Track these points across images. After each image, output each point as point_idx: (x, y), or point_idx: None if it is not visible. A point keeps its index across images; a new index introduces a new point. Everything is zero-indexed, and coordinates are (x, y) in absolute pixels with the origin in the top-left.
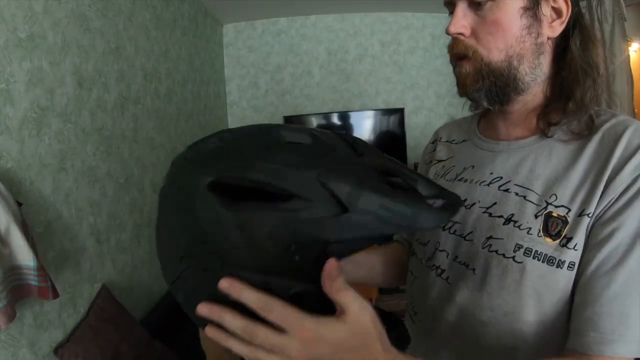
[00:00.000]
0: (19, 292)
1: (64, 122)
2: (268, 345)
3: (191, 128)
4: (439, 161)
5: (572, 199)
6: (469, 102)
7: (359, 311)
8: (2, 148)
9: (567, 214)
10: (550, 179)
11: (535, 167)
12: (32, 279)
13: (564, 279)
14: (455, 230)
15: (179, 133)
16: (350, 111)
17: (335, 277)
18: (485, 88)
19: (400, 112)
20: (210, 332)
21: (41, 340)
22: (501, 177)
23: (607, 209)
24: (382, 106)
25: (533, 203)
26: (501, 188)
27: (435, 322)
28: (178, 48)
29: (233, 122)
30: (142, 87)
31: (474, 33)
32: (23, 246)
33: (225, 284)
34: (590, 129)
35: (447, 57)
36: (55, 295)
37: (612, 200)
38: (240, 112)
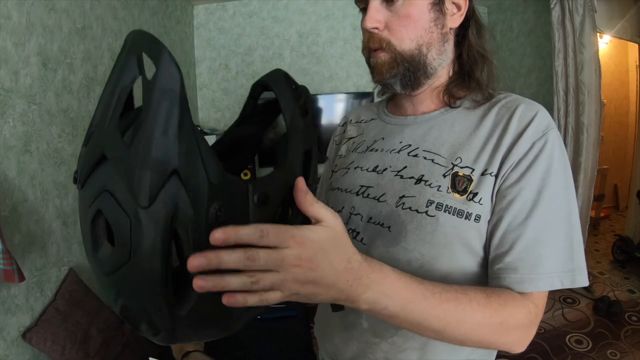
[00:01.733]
0: None
1: (29, 103)
2: (270, 263)
3: None
4: (350, 138)
5: (475, 160)
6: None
7: (332, 218)
8: None
9: (471, 173)
10: (455, 145)
11: (440, 135)
12: None
13: (472, 229)
14: (368, 194)
15: None
16: (321, 94)
17: (306, 193)
18: (400, 74)
19: (370, 95)
20: (201, 283)
21: (9, 325)
22: (410, 145)
23: (510, 172)
24: (353, 90)
25: (441, 165)
26: (410, 154)
27: None
28: (147, 28)
29: (203, 105)
30: (109, 67)
31: (387, 26)
32: None
33: (220, 234)
34: (490, 99)
35: None
36: (21, 278)
37: (514, 164)
38: (210, 95)
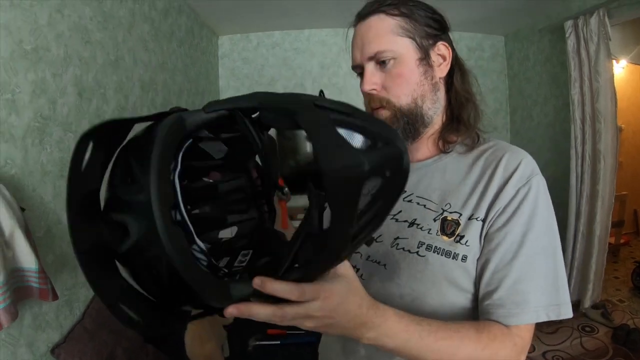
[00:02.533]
0: (20, 293)
1: (65, 131)
2: (296, 317)
3: None
4: None
5: (463, 206)
6: None
7: (350, 268)
8: (7, 155)
9: (459, 217)
10: (445, 191)
11: (432, 182)
12: (34, 281)
13: (459, 268)
14: None
15: None
16: None
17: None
18: (401, 127)
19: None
20: (232, 310)
21: (39, 340)
22: (405, 191)
23: (497, 217)
24: None
25: (432, 210)
26: (405, 199)
27: None
28: (175, 59)
29: None
30: (139, 97)
31: (384, 86)
32: (26, 249)
33: (258, 282)
34: (477, 142)
35: None
36: (55, 297)
37: (500, 210)
38: None
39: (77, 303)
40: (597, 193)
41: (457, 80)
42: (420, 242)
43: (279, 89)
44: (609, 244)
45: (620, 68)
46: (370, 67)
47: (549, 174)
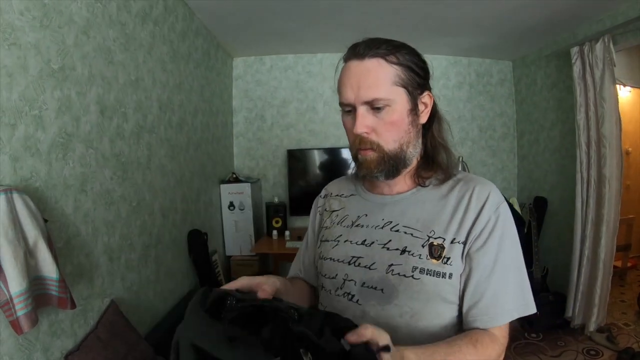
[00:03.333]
0: (41, 300)
1: (87, 147)
2: None
3: (199, 156)
4: (333, 211)
5: (445, 231)
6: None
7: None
8: (32, 169)
9: (443, 242)
10: (428, 220)
11: (415, 213)
12: (54, 290)
13: (447, 285)
14: (359, 263)
15: (187, 160)
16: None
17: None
18: (386, 170)
19: None
20: None
21: (53, 346)
22: (391, 222)
23: (475, 240)
24: None
25: (419, 238)
26: (393, 229)
27: None
28: (191, 80)
29: (239, 153)
30: (157, 117)
31: (374, 130)
32: (48, 259)
33: None
34: (450, 177)
35: (447, 98)
36: (73, 306)
37: (477, 234)
38: (246, 143)
39: (91, 313)
40: (602, 217)
41: (435, 128)
42: (413, 266)
43: (291, 110)
44: (616, 267)
45: (627, 91)
46: (362, 110)
47: (555, 198)
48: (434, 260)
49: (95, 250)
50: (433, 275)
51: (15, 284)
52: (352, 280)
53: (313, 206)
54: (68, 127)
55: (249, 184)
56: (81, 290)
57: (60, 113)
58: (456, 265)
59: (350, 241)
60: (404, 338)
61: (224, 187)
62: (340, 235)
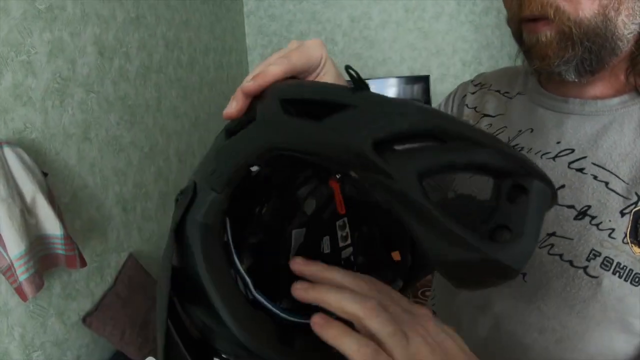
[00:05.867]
0: (47, 261)
1: (87, 92)
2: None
3: (214, 97)
4: (485, 115)
5: None
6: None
7: None
8: (25, 119)
9: None
10: None
11: (621, 140)
12: (59, 248)
13: None
14: None
15: (202, 101)
16: (373, 78)
17: None
18: (578, 58)
19: (425, 79)
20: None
21: (69, 309)
22: (573, 150)
23: None
24: (407, 73)
25: (618, 194)
26: (572, 166)
27: (460, 332)
28: (199, 17)
29: None
30: (164, 56)
31: None
32: (50, 215)
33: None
34: None
35: (474, 23)
36: (83, 263)
37: None
38: None
39: (108, 269)
40: None
41: None
42: (593, 250)
43: None
44: None
45: None
46: None
47: None
48: (637, 249)
49: (107, 202)
50: (627, 279)
51: (14, 246)
52: None
53: (451, 95)
54: (63, 71)
55: None
56: (94, 246)
57: (52, 56)
58: None
59: None
60: None
61: None
62: None
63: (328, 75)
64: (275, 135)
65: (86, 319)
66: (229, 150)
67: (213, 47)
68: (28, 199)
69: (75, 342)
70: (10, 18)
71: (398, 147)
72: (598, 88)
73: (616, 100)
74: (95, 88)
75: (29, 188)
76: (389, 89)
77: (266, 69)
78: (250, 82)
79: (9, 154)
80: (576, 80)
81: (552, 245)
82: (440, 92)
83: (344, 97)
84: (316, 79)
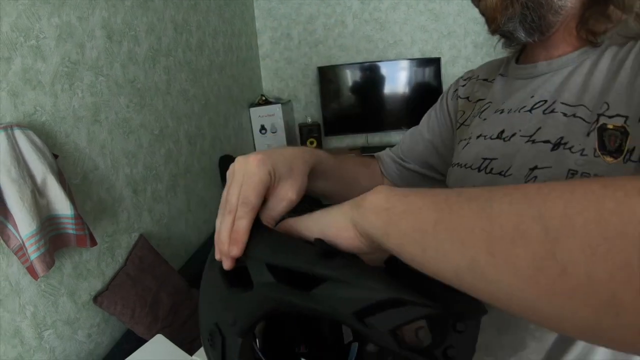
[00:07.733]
0: (58, 241)
1: (96, 75)
2: None
3: (224, 80)
4: (478, 100)
5: (628, 102)
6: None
7: None
8: (35, 102)
9: (625, 122)
10: (602, 89)
11: (582, 79)
12: (70, 228)
13: None
14: (492, 169)
15: (211, 84)
16: (384, 61)
17: None
18: (518, 14)
19: (436, 62)
20: None
21: (80, 289)
22: (545, 101)
23: None
24: (418, 55)
25: (584, 120)
26: (546, 111)
27: None
28: (207, 0)
29: (266, 75)
30: (173, 39)
31: None
32: (60, 196)
33: None
34: None
35: None
36: (93, 242)
37: None
38: (273, 64)
39: (119, 250)
40: None
41: None
42: (570, 170)
43: (319, 27)
44: None
45: None
46: None
47: None
48: (607, 158)
49: (117, 184)
50: None
51: (25, 226)
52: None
53: (448, 92)
54: (72, 54)
55: (280, 105)
56: (105, 226)
57: (60, 41)
58: None
59: (485, 136)
60: None
61: (254, 110)
62: (474, 129)
63: (283, 182)
64: (274, 301)
65: (97, 298)
66: (241, 307)
67: (222, 30)
68: (39, 180)
69: (86, 321)
70: (18, 3)
71: (372, 311)
72: (560, 48)
73: (576, 52)
74: (104, 71)
75: (40, 169)
76: (401, 71)
77: (237, 227)
78: (234, 249)
79: (20, 136)
80: (529, 39)
81: (536, 177)
82: (451, 75)
83: (321, 269)
84: (276, 190)
